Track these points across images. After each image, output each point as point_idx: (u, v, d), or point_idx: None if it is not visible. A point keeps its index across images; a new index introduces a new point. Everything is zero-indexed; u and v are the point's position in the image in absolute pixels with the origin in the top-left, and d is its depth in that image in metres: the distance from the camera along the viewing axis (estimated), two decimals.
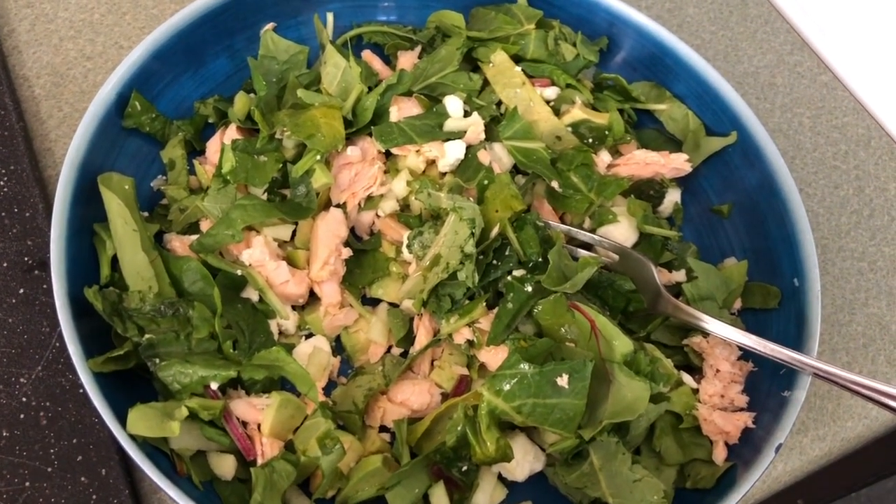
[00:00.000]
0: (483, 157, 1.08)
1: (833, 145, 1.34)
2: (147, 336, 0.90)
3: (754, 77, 1.39)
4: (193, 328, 0.91)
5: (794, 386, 0.95)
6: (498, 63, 1.16)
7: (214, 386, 0.89)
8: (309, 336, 1.04)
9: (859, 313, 1.20)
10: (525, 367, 0.89)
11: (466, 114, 1.12)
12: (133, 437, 0.84)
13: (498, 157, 1.11)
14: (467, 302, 1.01)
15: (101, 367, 0.87)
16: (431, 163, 1.10)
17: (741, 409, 1.00)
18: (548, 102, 1.16)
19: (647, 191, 1.15)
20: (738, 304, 1.08)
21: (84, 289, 0.90)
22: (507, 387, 0.89)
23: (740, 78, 1.38)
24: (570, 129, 1.14)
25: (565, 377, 0.88)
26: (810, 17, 1.46)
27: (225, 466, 0.90)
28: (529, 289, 0.98)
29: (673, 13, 1.44)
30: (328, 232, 1.03)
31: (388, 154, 1.11)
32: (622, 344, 0.92)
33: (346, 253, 1.04)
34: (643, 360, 0.92)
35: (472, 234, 0.98)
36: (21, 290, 1.02)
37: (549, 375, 0.88)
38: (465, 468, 0.92)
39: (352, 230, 1.09)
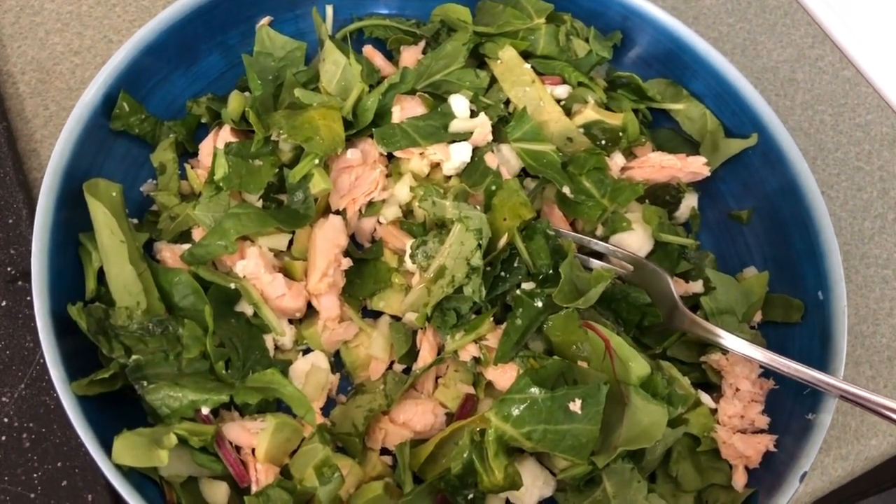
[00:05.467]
0: (490, 160, 1.03)
1: (856, 145, 1.28)
2: (134, 357, 0.85)
3: (774, 72, 1.33)
4: (183, 348, 0.86)
5: (818, 408, 0.90)
6: (506, 60, 1.10)
7: (206, 411, 0.85)
8: (306, 351, 0.99)
9: (884, 324, 1.15)
10: (535, 391, 0.84)
11: (473, 114, 1.06)
12: (119, 466, 0.79)
13: (506, 160, 1.06)
14: (473, 316, 0.96)
15: (86, 389, 0.82)
16: (436, 166, 1.05)
17: (762, 431, 0.95)
18: (559, 102, 1.10)
19: (662, 196, 1.09)
20: (758, 317, 1.03)
21: (68, 306, 0.85)
22: (516, 412, 0.84)
23: (759, 73, 1.32)
24: (582, 130, 1.08)
25: (578, 402, 0.83)
26: (832, 8, 1.40)
27: (217, 494, 0.85)
28: (539, 304, 0.92)
29: (689, 4, 1.37)
30: (327, 241, 0.98)
31: (390, 157, 1.05)
32: (639, 366, 0.87)
33: (346, 263, 0.98)
34: (660, 382, 0.87)
35: (479, 245, 0.93)
36: (3, 303, 0.97)
37: (562, 401, 0.83)
38: (471, 496, 0.87)
39: (351, 237, 1.04)
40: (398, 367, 1.00)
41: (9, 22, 1.19)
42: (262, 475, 0.86)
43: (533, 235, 0.97)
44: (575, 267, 0.96)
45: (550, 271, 0.96)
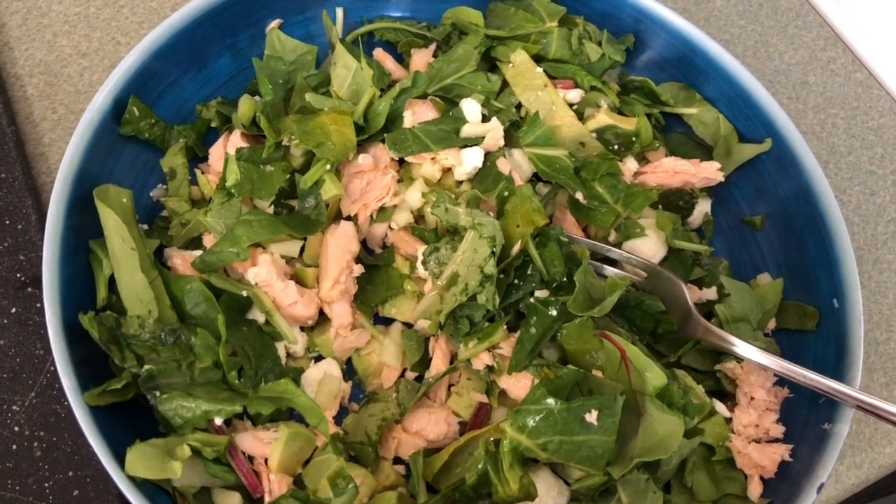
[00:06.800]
0: (502, 165, 1.02)
1: (869, 148, 1.27)
2: (147, 367, 0.84)
3: (785, 75, 1.32)
4: (196, 357, 0.86)
5: (835, 418, 0.89)
6: (518, 63, 1.09)
7: (219, 421, 0.84)
8: (318, 358, 0.98)
9: None
10: (551, 401, 0.83)
11: (484, 118, 1.05)
12: (132, 477, 0.78)
13: (518, 165, 1.05)
14: (487, 324, 0.95)
15: (98, 399, 0.82)
16: (447, 171, 1.04)
17: (777, 440, 0.94)
18: (571, 106, 1.09)
19: (675, 201, 1.09)
20: (772, 325, 1.02)
21: (79, 315, 0.84)
22: (531, 423, 0.83)
23: (771, 76, 1.31)
24: (594, 134, 1.07)
25: (594, 413, 0.83)
26: (844, 11, 1.38)
27: None
28: (554, 312, 0.92)
29: (700, 6, 1.36)
30: (338, 247, 0.97)
31: (401, 162, 1.04)
32: (655, 376, 0.86)
33: (358, 270, 0.98)
34: (676, 392, 0.86)
35: (493, 252, 0.92)
36: (13, 310, 0.96)
37: (577, 411, 0.83)
38: None
39: (363, 243, 1.03)
40: (410, 375, 1.00)
41: (16, 24, 1.18)
42: (275, 485, 0.85)
43: (546, 242, 0.97)
44: (589, 274, 0.95)
45: (564, 279, 0.95)
